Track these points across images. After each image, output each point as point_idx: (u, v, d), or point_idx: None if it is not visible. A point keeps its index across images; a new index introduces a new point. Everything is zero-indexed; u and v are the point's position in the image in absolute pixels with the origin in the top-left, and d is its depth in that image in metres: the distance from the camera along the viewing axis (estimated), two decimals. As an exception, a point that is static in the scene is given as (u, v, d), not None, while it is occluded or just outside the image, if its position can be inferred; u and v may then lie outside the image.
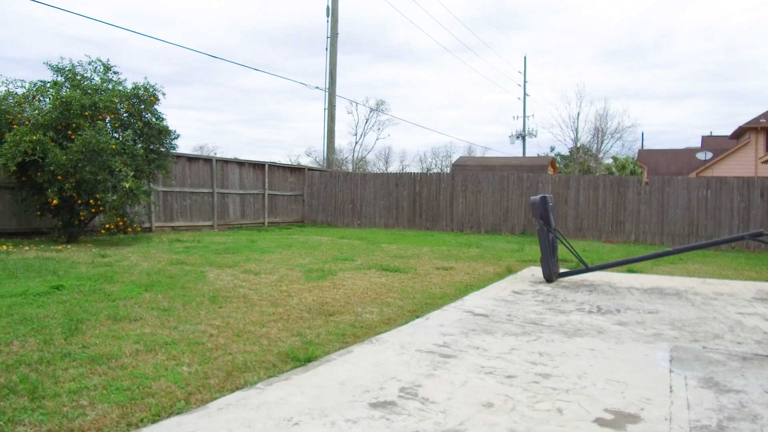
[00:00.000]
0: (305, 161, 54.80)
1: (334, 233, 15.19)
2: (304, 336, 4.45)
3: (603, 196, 15.73)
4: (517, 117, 57.69)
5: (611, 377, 3.84)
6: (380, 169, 61.38)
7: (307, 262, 8.77)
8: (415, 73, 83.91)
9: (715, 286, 8.25)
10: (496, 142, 69.67)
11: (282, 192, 18.27)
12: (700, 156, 29.16)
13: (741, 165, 26.98)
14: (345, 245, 11.79)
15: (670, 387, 3.67)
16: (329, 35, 19.81)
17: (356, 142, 57.56)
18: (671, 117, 76.34)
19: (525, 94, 47.13)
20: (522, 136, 48.24)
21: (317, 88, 20.38)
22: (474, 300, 6.52)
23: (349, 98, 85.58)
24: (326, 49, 19.90)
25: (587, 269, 8.26)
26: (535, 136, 49.08)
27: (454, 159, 67.25)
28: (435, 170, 64.32)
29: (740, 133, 28.71)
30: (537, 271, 9.30)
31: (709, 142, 34.81)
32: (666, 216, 15.04)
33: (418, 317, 5.46)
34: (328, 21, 19.87)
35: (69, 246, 9.58)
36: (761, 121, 26.82)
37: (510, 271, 9.27)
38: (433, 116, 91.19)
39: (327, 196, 19.18)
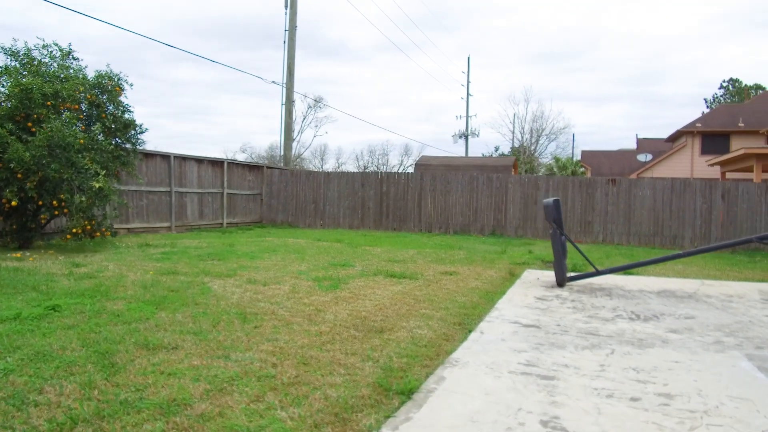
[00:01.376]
0: (241, 158, 53.02)
1: (305, 235, 14.48)
2: (376, 360, 3.92)
3: (572, 196, 15.88)
4: (460, 116, 58.34)
5: (729, 394, 3.57)
6: (315, 167, 60.34)
7: (305, 269, 8.13)
8: (351, 71, 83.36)
9: (716, 288, 8.29)
10: (436, 140, 70.21)
11: (241, 191, 17.30)
12: (641, 158, 30.43)
13: (678, 166, 28.34)
14: (328, 249, 11.17)
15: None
16: (287, 28, 18.98)
17: (293, 139, 56.29)
18: (597, 118, 79.86)
19: (468, 94, 47.71)
20: (465, 136, 48.81)
21: (274, 82, 19.53)
22: (508, 309, 6.16)
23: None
24: (284, 42, 19.06)
25: (597, 273, 8.11)
26: (477, 136, 49.86)
27: (391, 157, 67.42)
28: (371, 168, 64.23)
29: (677, 136, 30.19)
30: (540, 275, 9.09)
31: (644, 144, 36.48)
32: (633, 216, 15.36)
33: (470, 331, 5.03)
34: (286, 13, 19.04)
35: (28, 253, 8.42)
36: (697, 125, 28.30)
37: (512, 274, 9.01)
38: (370, 115, 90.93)
39: (287, 196, 18.36)
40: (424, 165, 20.16)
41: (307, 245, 11.61)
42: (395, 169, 65.01)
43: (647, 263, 8.15)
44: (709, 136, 27.70)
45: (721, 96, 49.66)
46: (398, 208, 17.46)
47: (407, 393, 3.29)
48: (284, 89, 19.56)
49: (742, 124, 27.20)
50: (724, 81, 50.27)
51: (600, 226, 15.69)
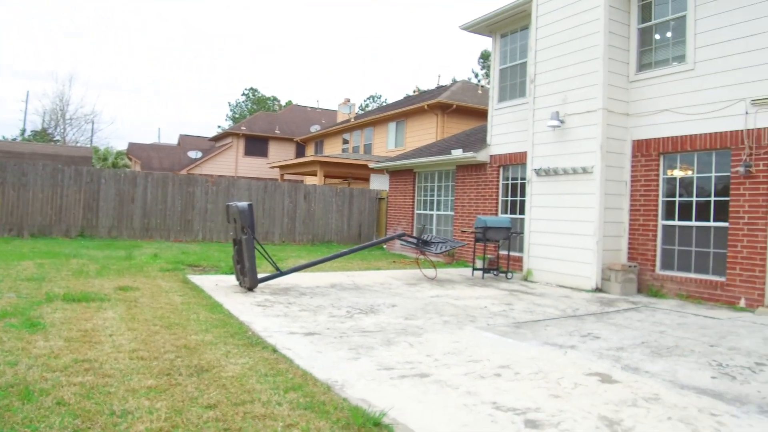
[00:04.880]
0: None
1: None
2: (279, 403, 3.48)
3: (172, 194, 15.43)
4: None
5: (534, 357, 4.80)
6: None
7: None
8: None
9: (361, 278, 9.89)
10: None
11: None
12: (192, 154, 31.48)
13: (225, 164, 30.74)
14: None
15: (565, 352, 4.99)
16: None
17: None
18: (122, 111, 76.92)
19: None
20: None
21: None
22: (259, 320, 6.02)
23: None
24: None
25: (281, 273, 8.56)
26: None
27: None
28: None
29: (223, 136, 32.64)
30: (213, 280, 8.84)
31: (186, 141, 37.72)
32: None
33: (275, 350, 4.82)
34: None
35: None
36: (242, 129, 31.37)
37: (186, 282, 8.53)
38: None
39: None
40: (-36, 150, 15.54)
41: None
42: None
43: (320, 261, 9.11)
44: (252, 139, 31.15)
45: (243, 102, 56.05)
46: (-61, 207, 13.04)
47: (375, 423, 3.17)
48: None
49: (278, 132, 31.78)
50: (246, 89, 56.87)
51: (200, 224, 15.83)
